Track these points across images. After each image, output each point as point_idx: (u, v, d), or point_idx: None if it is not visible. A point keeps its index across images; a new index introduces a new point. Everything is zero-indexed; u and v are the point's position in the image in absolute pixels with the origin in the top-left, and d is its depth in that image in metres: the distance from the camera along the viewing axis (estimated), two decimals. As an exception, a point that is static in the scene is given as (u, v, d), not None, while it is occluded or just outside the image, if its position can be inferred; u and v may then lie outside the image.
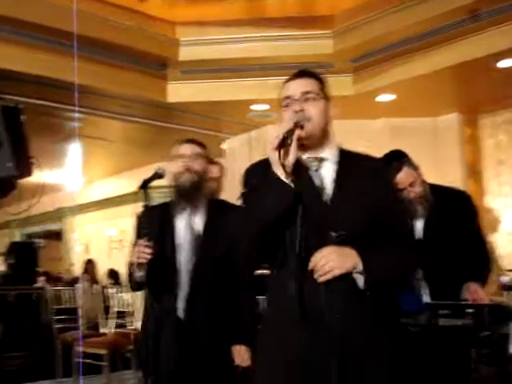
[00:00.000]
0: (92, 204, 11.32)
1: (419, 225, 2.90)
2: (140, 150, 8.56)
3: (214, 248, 2.62)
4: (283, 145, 1.74)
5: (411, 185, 2.90)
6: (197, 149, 2.77)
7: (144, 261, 2.38)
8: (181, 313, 2.55)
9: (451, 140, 6.65)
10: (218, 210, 2.73)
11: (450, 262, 2.73)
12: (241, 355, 2.56)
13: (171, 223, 2.66)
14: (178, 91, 6.12)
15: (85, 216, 11.53)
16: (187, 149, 2.76)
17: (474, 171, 6.67)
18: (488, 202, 6.47)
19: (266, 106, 6.36)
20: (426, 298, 2.73)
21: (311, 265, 1.73)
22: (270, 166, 1.82)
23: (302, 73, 1.97)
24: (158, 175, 2.60)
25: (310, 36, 5.52)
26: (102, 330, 5.89)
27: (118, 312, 5.80)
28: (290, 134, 1.75)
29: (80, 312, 5.83)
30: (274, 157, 1.75)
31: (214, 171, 3.56)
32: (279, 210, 1.74)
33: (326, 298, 1.70)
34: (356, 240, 1.77)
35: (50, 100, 6.14)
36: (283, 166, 1.73)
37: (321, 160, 1.88)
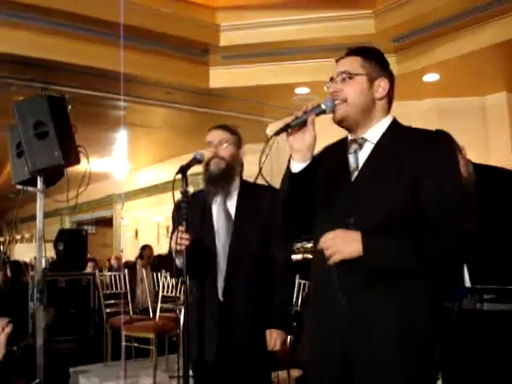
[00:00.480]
0: (139, 191, 11.51)
1: None
2: (183, 136, 8.64)
3: (247, 231, 2.64)
4: (283, 131, 1.77)
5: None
6: (225, 135, 2.75)
7: (182, 247, 2.40)
8: (220, 295, 2.59)
9: (500, 119, 6.46)
10: (249, 193, 2.74)
11: (492, 245, 2.64)
12: (273, 339, 2.58)
13: (208, 209, 2.70)
14: (220, 77, 6.14)
15: (133, 203, 11.74)
16: (214, 135, 2.75)
17: (524, 151, 6.47)
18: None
19: (307, 90, 6.31)
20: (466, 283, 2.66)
21: (319, 246, 1.73)
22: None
23: (350, 51, 1.91)
24: (196, 160, 2.60)
25: (351, 16, 5.44)
26: (151, 315, 6.00)
27: (167, 297, 5.88)
28: (297, 119, 1.75)
29: (130, 297, 5.95)
30: (288, 142, 1.80)
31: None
32: (286, 190, 1.84)
33: (338, 280, 1.71)
34: (376, 229, 1.69)
35: (96, 89, 6.25)
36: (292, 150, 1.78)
37: (362, 142, 1.83)
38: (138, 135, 8.78)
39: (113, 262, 10.65)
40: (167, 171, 10.63)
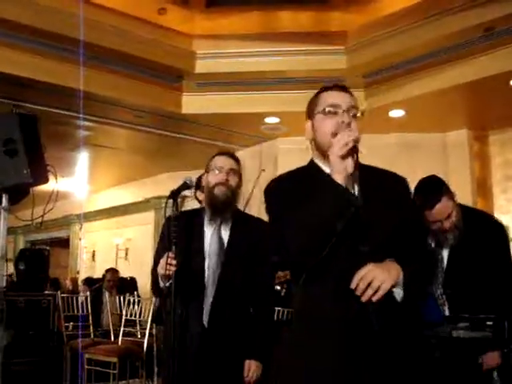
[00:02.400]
0: (98, 212, 11.38)
1: (445, 253, 2.84)
2: (147, 160, 8.63)
3: (238, 261, 2.68)
4: (351, 153, 1.74)
5: (448, 216, 2.77)
6: (235, 164, 2.80)
7: (170, 273, 2.42)
8: (205, 320, 2.60)
9: (461, 156, 6.70)
10: (243, 223, 2.78)
11: (472, 279, 2.74)
12: (251, 371, 2.60)
13: (201, 231, 2.72)
14: (193, 103, 6.21)
15: (91, 224, 11.57)
16: (226, 162, 2.78)
17: (483, 187, 6.73)
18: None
19: (276, 119, 6.44)
20: (445, 311, 2.77)
21: (354, 283, 1.68)
22: (305, 175, 1.88)
23: (345, 88, 1.96)
24: (186, 185, 2.64)
25: (324, 51, 5.62)
26: (113, 338, 5.93)
27: (129, 320, 5.83)
28: (357, 143, 1.75)
29: (91, 319, 5.87)
30: (339, 165, 1.74)
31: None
32: (345, 217, 1.70)
33: (373, 314, 1.69)
34: (383, 253, 1.77)
35: (64, 108, 6.21)
36: (347, 175, 1.73)
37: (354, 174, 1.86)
38: (101, 156, 8.71)
39: (67, 282, 10.47)
40: (129, 193, 10.58)
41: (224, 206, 2.70)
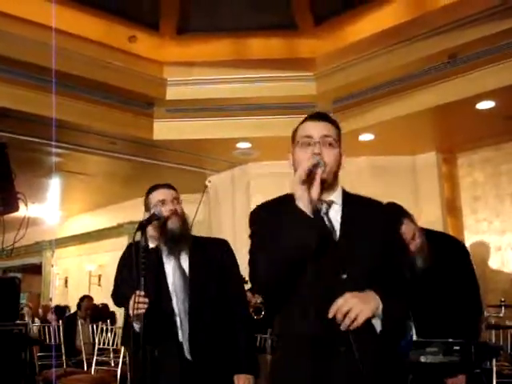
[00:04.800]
0: (71, 238, 11.26)
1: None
2: (120, 185, 8.60)
3: (204, 287, 2.65)
4: (309, 179, 1.77)
5: (412, 238, 2.84)
6: (175, 193, 2.78)
7: (142, 311, 2.38)
8: (187, 353, 2.57)
9: (429, 177, 6.83)
10: (200, 247, 2.76)
11: (439, 303, 2.79)
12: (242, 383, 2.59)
13: (161, 266, 2.67)
14: (164, 129, 6.23)
15: (64, 250, 11.44)
16: (168, 193, 2.75)
17: (452, 208, 6.84)
18: (467, 238, 6.62)
19: (248, 145, 6.48)
20: (413, 336, 2.80)
21: (331, 313, 1.71)
22: (281, 203, 1.88)
23: (323, 116, 1.99)
24: (155, 217, 2.62)
25: (293, 78, 5.70)
26: (86, 367, 5.84)
27: (103, 349, 5.76)
28: (315, 168, 1.78)
29: (63, 348, 5.78)
30: (300, 191, 1.77)
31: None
32: (308, 243, 1.73)
33: (355, 345, 1.71)
34: (364, 281, 1.79)
35: (33, 135, 6.17)
36: (309, 201, 1.76)
37: (330, 203, 1.91)
38: (73, 182, 8.65)
39: (40, 311, 10.26)
40: (101, 219, 10.50)
41: (181, 236, 2.67)
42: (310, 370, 1.77)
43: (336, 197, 1.94)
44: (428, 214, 6.21)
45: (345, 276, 1.76)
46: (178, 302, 2.62)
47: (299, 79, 5.70)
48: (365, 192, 6.19)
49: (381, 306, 1.75)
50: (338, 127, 1.98)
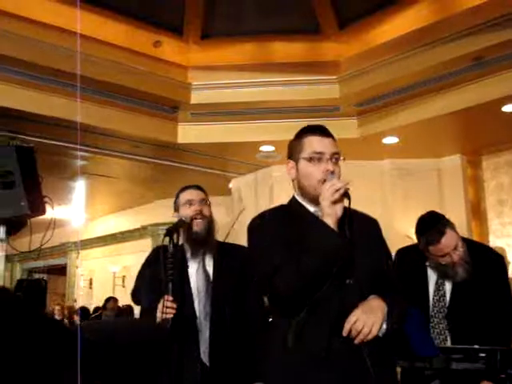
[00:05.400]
0: (95, 240, 11.39)
1: (448, 287, 2.87)
2: (143, 187, 8.69)
3: (226, 292, 2.66)
4: (342, 199, 1.88)
5: (455, 247, 2.77)
6: (203, 194, 2.80)
7: (170, 316, 2.40)
8: (204, 357, 2.59)
9: (454, 181, 6.78)
10: (226, 253, 2.77)
11: (476, 314, 2.76)
12: None
13: (185, 269, 2.69)
14: (188, 133, 6.29)
15: (88, 252, 11.58)
16: (196, 194, 2.77)
17: (477, 211, 6.78)
18: (492, 242, 6.55)
19: (272, 148, 6.50)
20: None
21: (346, 330, 1.81)
22: (289, 214, 2.00)
23: (328, 132, 2.07)
24: (182, 222, 2.64)
25: (317, 81, 5.70)
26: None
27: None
28: (347, 189, 1.89)
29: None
30: (329, 209, 1.87)
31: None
32: (338, 260, 1.83)
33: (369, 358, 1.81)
34: (367, 285, 1.91)
35: (59, 140, 6.26)
36: (337, 219, 1.87)
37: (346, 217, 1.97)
38: (97, 185, 8.77)
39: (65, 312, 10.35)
40: (125, 221, 10.61)
41: (205, 237, 2.68)
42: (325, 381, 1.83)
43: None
44: (453, 218, 6.04)
45: (350, 281, 1.87)
46: (200, 305, 2.63)
47: (322, 82, 5.70)
48: (389, 195, 6.28)
49: (386, 310, 1.86)
50: (336, 140, 2.08)
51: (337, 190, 1.87)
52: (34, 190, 4.49)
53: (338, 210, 1.88)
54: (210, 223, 2.74)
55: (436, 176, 6.86)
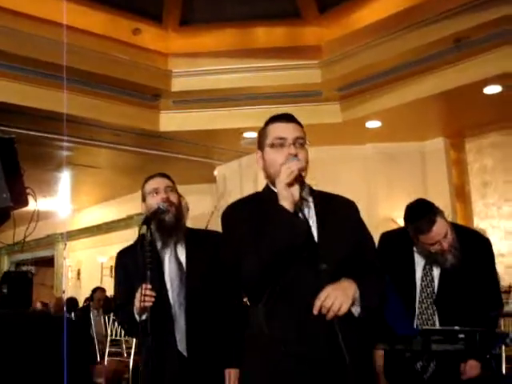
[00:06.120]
0: (82, 231, 11.35)
1: (436, 272, 2.83)
2: (128, 177, 8.63)
3: (200, 279, 2.60)
4: (296, 182, 1.86)
5: (445, 235, 2.73)
6: (168, 181, 2.70)
7: (150, 304, 2.36)
8: (181, 346, 2.56)
9: (438, 163, 6.80)
10: (197, 239, 2.71)
11: (463, 298, 2.77)
12: (232, 379, 2.55)
13: (157, 259, 2.60)
14: (170, 120, 6.25)
15: (75, 243, 11.54)
16: (161, 182, 2.68)
17: (461, 194, 6.82)
18: (476, 224, 6.60)
19: (255, 134, 6.45)
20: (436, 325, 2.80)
21: (316, 307, 1.80)
22: (257, 203, 1.98)
23: (291, 117, 2.05)
24: (160, 210, 2.59)
25: (298, 66, 5.68)
26: (99, 359, 5.90)
27: (115, 340, 5.82)
28: (301, 171, 1.88)
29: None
30: (284, 192, 1.85)
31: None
32: (297, 242, 1.82)
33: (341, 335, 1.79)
34: (341, 269, 1.90)
35: (42, 131, 6.21)
36: (294, 202, 1.85)
37: (302, 200, 1.97)
38: (83, 175, 8.73)
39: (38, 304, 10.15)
40: (111, 211, 10.56)
41: (174, 225, 2.60)
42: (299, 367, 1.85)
43: (306, 194, 2.00)
44: (437, 200, 6.06)
45: (324, 266, 1.83)
46: (174, 294, 2.58)
47: (304, 67, 5.68)
48: (373, 179, 6.29)
49: (358, 292, 1.86)
50: (302, 126, 2.04)
51: (291, 173, 1.85)
52: (16, 182, 4.44)
53: (295, 192, 1.87)
54: (178, 210, 2.66)
55: (420, 159, 6.88)
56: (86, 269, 11.26)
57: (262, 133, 2.07)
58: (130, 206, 9.77)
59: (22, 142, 5.23)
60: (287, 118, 2.04)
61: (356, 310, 1.88)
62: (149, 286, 2.39)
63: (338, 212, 2.03)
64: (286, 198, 1.86)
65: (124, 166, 8.14)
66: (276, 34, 5.57)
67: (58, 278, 11.85)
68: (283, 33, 5.57)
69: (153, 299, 2.38)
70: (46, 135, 6.34)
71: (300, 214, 1.90)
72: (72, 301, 8.53)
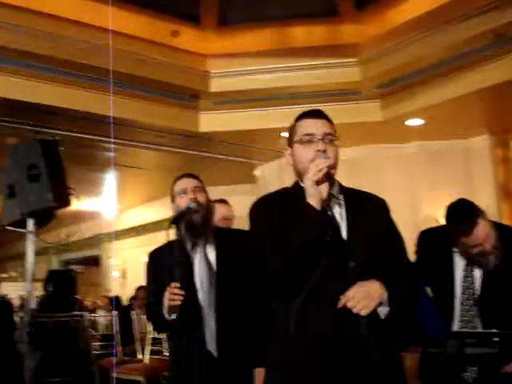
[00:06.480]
0: (127, 231, 11.53)
1: (477, 273, 2.77)
2: (172, 177, 8.65)
3: (231, 277, 2.62)
4: (325, 179, 1.86)
5: (487, 237, 2.67)
6: (197, 182, 2.76)
7: (178, 303, 2.38)
8: (211, 346, 2.55)
9: (483, 161, 6.63)
10: (227, 239, 2.73)
11: (506, 299, 2.69)
12: (262, 378, 2.57)
13: (188, 259, 2.65)
14: (210, 121, 6.28)
15: (121, 242, 11.73)
16: (189, 182, 2.75)
17: (506, 192, 6.62)
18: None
19: (295, 134, 6.43)
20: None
21: (341, 304, 1.80)
22: (284, 199, 1.98)
23: (321, 113, 2.04)
24: (189, 210, 2.61)
25: (337, 64, 5.62)
26: (139, 356, 5.99)
27: (156, 338, 5.89)
28: (331, 169, 1.88)
29: (119, 338, 5.94)
30: (312, 189, 1.85)
31: (225, 211, 3.58)
32: (322, 241, 1.81)
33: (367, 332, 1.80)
34: (369, 268, 1.87)
35: (87, 133, 6.34)
36: (322, 199, 1.85)
37: (331, 197, 1.95)
38: (128, 176, 8.87)
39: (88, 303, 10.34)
40: (156, 211, 10.69)
41: (202, 225, 2.63)
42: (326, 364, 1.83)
43: (336, 191, 1.99)
44: (481, 200, 5.94)
45: (352, 264, 1.83)
46: (204, 295, 2.60)
47: (343, 66, 5.62)
48: (416, 178, 6.14)
49: (385, 294, 1.84)
50: (332, 122, 2.03)
51: (320, 170, 1.84)
52: (59, 182, 4.56)
53: (323, 190, 1.86)
54: (206, 210, 2.69)
55: (463, 157, 6.72)
56: (131, 268, 11.43)
57: (291, 129, 2.07)
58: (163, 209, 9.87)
59: (68, 144, 5.40)
60: (316, 113, 2.04)
61: (383, 312, 1.86)
62: (177, 285, 2.40)
63: (368, 210, 2.00)
64: (314, 195, 1.85)
65: (167, 166, 8.22)
66: (314, 33, 5.53)
67: (104, 277, 12.08)
68: (321, 31, 5.52)
69: (182, 298, 2.39)
70: (91, 137, 6.47)
71: (329, 212, 1.89)
72: (116, 299, 8.70)
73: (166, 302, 2.43)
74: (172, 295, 2.39)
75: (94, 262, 12.83)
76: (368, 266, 1.88)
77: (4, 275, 15.67)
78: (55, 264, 13.86)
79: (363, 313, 1.78)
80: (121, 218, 11.70)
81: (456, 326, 2.74)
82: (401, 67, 5.41)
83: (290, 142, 2.06)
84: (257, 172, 7.80)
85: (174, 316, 2.44)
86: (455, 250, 2.87)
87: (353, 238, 1.91)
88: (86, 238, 12.37)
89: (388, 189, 6.40)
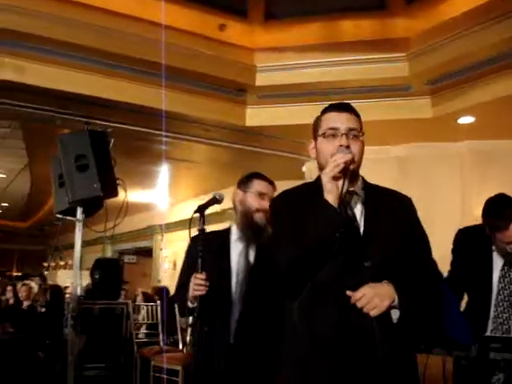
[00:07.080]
0: (179, 223, 11.68)
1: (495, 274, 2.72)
2: (222, 171, 8.79)
3: (263, 279, 2.63)
4: (343, 175, 1.82)
5: None
6: (273, 191, 2.83)
7: (200, 293, 2.43)
8: (231, 338, 2.61)
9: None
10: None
11: None
12: None
13: (227, 249, 2.73)
14: (256, 115, 6.28)
15: (172, 234, 11.91)
16: (268, 189, 2.82)
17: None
18: None
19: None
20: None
21: (353, 300, 1.77)
22: (304, 193, 1.94)
23: (347, 107, 2.00)
24: (215, 200, 2.68)
25: (386, 59, 5.51)
26: (180, 347, 6.08)
27: (196, 329, 5.96)
28: (349, 164, 1.84)
29: (161, 327, 6.05)
30: (329, 185, 1.82)
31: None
32: (333, 236, 1.76)
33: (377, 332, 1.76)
34: (386, 269, 1.82)
35: (138, 125, 6.46)
36: (339, 196, 1.81)
37: (352, 194, 1.92)
38: (179, 169, 9.00)
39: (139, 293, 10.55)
40: (206, 205, 10.80)
41: (261, 231, 2.71)
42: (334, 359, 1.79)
43: (358, 187, 1.97)
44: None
45: (368, 264, 1.79)
46: (237, 284, 2.66)
47: (392, 60, 5.51)
48: (465, 178, 6.00)
49: (397, 299, 1.77)
50: (359, 116, 1.99)
51: (337, 165, 1.81)
52: (107, 173, 4.69)
53: (340, 186, 1.82)
54: (267, 220, 2.73)
55: (516, 158, 6.48)
56: (180, 260, 11.58)
57: (316, 123, 2.05)
58: (225, 200, 9.93)
59: (121, 137, 5.52)
60: (342, 107, 2.00)
61: (394, 316, 1.81)
62: (202, 276, 2.44)
63: (391, 208, 1.95)
64: (331, 191, 1.82)
65: (217, 160, 8.31)
66: (362, 27, 5.45)
67: (156, 268, 12.30)
68: (369, 25, 5.43)
69: (205, 288, 2.43)
70: (143, 129, 6.60)
71: (348, 210, 1.87)
72: (162, 290, 8.86)
73: (191, 292, 2.47)
74: (197, 286, 2.43)
75: (147, 252, 13.09)
76: (385, 267, 1.83)
77: (62, 263, 16.21)
78: (109, 254, 14.22)
79: (373, 313, 1.74)
80: (173, 211, 11.88)
81: (488, 327, 2.67)
82: (452, 62, 5.25)
83: (315, 134, 2.04)
84: (305, 168, 7.75)
85: (195, 304, 2.48)
86: (494, 248, 2.79)
87: (370, 237, 1.86)
88: (140, 229, 12.62)
89: (438, 188, 6.26)
